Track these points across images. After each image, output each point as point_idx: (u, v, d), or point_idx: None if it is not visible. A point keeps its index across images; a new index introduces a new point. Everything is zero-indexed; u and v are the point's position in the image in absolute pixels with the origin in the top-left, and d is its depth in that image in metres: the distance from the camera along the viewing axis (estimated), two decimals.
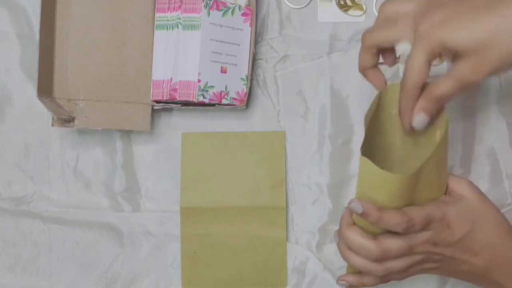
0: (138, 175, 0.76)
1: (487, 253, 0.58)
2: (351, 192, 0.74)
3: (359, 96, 0.74)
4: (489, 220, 0.59)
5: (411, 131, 0.58)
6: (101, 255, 0.76)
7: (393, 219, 0.54)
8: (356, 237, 0.56)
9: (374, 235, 0.57)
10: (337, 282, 0.63)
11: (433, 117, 0.57)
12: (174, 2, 0.72)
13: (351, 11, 0.74)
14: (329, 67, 0.75)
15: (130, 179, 0.76)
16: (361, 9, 0.74)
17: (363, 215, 0.54)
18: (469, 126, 0.74)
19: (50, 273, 0.76)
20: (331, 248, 0.74)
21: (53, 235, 0.76)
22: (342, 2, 0.73)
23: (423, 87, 0.55)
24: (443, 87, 0.54)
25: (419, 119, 0.56)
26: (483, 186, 0.73)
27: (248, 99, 0.73)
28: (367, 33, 0.59)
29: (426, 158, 0.55)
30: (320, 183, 0.75)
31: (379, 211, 0.54)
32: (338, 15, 0.75)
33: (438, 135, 0.56)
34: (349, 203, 0.55)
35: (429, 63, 0.54)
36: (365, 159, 0.53)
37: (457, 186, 0.59)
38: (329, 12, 0.75)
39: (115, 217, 0.76)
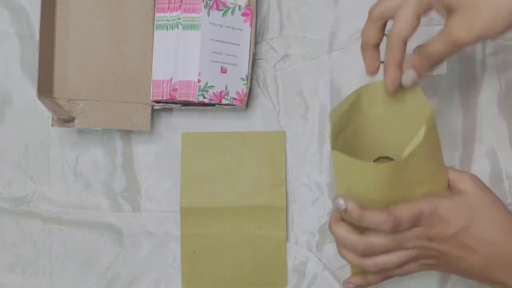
0: (138, 175, 0.76)
1: (488, 251, 0.57)
2: None
3: None
4: (491, 218, 0.57)
5: (392, 90, 0.58)
6: (101, 255, 0.76)
7: (376, 218, 0.54)
8: (342, 232, 0.57)
9: (362, 231, 0.57)
10: (343, 285, 0.64)
11: (421, 76, 0.57)
12: (174, 2, 0.72)
13: None
14: (329, 66, 0.75)
15: (130, 179, 0.76)
16: None
17: (345, 212, 0.55)
18: (469, 126, 0.74)
19: (50, 273, 0.76)
20: (331, 248, 0.74)
21: (53, 235, 0.76)
22: None
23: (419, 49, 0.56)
24: (435, 45, 0.54)
25: (408, 75, 0.57)
26: None
27: (248, 99, 0.73)
28: (373, 6, 0.59)
29: (408, 153, 0.54)
30: (320, 183, 0.75)
31: (361, 210, 0.54)
32: None
33: (422, 131, 0.55)
34: (333, 200, 0.55)
35: (418, 16, 0.54)
36: (337, 152, 0.53)
37: (458, 180, 0.58)
38: None
39: (115, 217, 0.76)
